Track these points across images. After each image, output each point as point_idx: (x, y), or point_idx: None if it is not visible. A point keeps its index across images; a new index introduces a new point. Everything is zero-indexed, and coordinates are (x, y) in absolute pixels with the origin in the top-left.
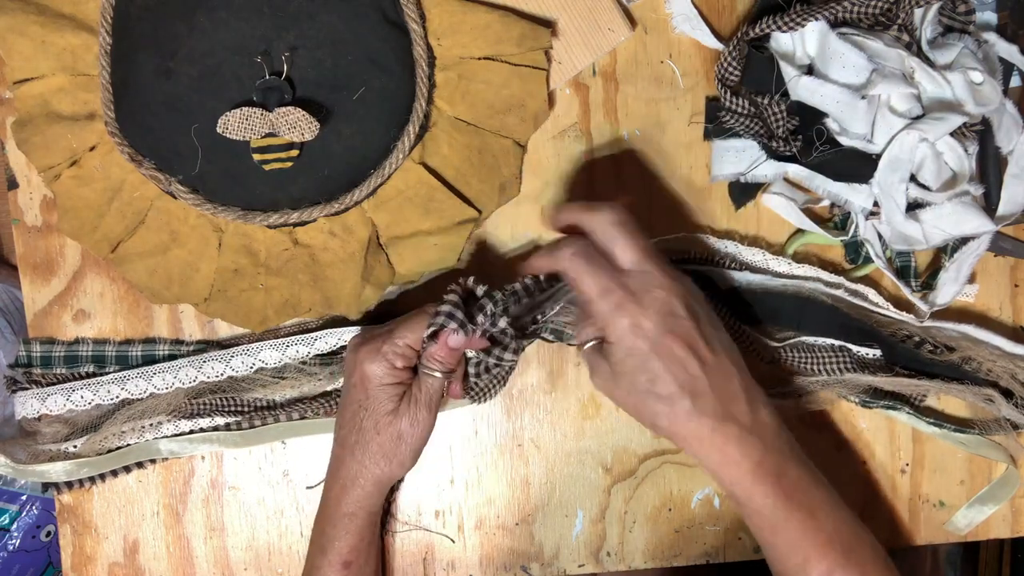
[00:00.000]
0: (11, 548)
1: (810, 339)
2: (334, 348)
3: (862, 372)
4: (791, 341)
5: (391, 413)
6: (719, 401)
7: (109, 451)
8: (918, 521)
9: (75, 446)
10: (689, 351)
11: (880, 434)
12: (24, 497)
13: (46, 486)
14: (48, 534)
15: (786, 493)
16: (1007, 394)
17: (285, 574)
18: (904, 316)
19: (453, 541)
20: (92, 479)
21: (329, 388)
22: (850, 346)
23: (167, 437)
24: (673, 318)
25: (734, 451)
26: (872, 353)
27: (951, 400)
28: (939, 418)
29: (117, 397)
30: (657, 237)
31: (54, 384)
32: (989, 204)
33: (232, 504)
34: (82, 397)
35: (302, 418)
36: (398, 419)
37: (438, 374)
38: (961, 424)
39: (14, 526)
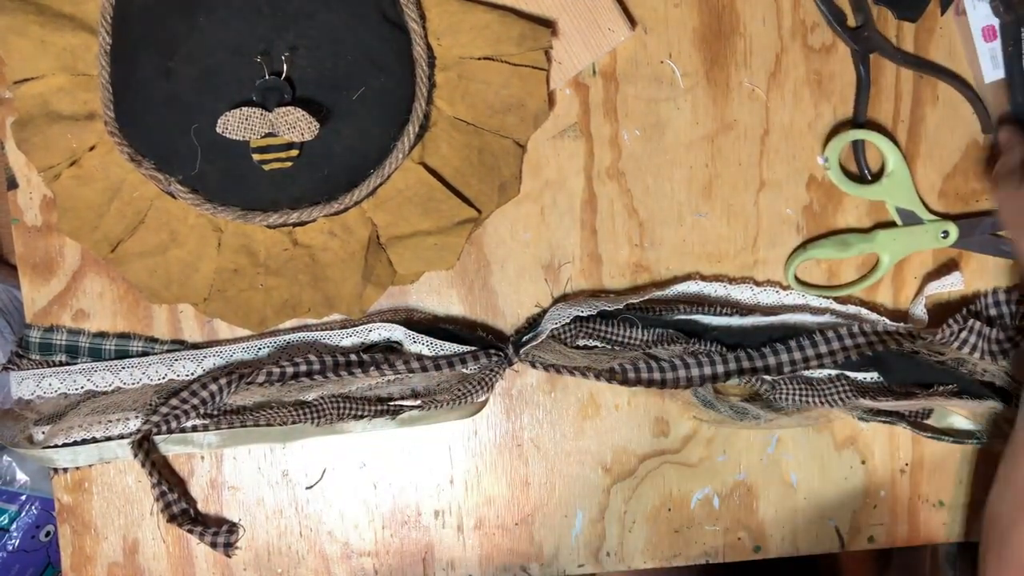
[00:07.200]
0: (10, 548)
1: (806, 372)
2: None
3: (862, 397)
4: (787, 374)
5: None
6: None
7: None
8: (918, 521)
9: (42, 432)
10: None
11: (880, 434)
12: (23, 497)
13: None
14: (48, 534)
15: None
16: (1004, 397)
17: (284, 574)
18: (901, 326)
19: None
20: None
21: (309, 397)
22: (848, 373)
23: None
24: None
25: None
26: (870, 377)
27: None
28: (937, 432)
29: (110, 385)
30: (644, 293)
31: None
32: (1014, 98)
33: (232, 504)
34: (75, 381)
35: (268, 424)
36: None
37: None
38: (961, 435)
39: (13, 526)
